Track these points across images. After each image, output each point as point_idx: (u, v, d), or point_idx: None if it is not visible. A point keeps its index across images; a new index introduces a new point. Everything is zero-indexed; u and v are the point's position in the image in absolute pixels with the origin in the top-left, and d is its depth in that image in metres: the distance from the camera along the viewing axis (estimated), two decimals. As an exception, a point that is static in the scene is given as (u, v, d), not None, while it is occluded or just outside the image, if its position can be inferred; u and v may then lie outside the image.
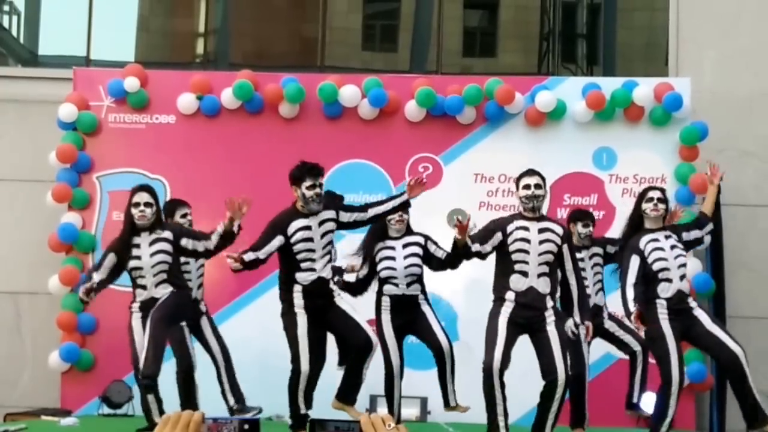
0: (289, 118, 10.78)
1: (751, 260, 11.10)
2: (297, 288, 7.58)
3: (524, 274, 7.25)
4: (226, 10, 13.01)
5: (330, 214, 7.68)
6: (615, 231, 10.37)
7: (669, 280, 7.69)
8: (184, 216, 8.72)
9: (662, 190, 7.95)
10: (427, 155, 10.73)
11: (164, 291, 7.80)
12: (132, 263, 7.80)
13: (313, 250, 7.59)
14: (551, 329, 7.21)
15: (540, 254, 7.25)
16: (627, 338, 8.49)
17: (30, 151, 11.20)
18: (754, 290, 11.07)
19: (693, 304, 7.78)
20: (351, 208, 7.86)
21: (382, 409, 9.59)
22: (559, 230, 7.35)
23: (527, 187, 7.33)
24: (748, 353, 10.83)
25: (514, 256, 7.28)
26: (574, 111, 10.67)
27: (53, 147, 10.61)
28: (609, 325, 8.54)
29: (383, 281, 8.41)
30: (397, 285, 8.33)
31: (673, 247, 7.76)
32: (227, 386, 8.55)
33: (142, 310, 7.78)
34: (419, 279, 8.42)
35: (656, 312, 7.67)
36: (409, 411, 9.58)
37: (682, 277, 7.75)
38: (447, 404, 8.49)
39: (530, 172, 7.41)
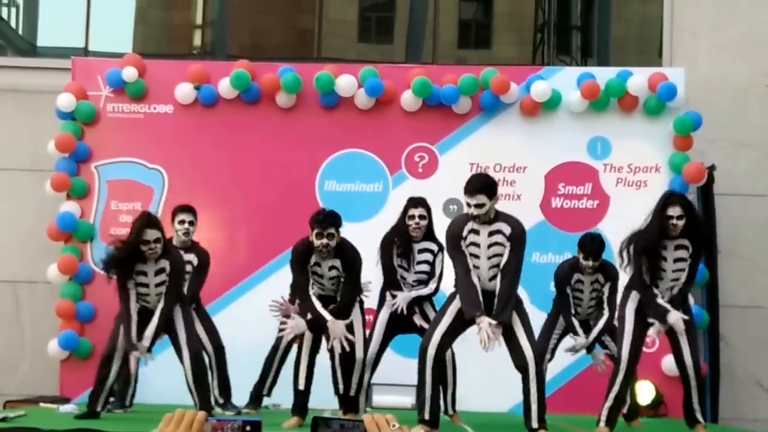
0: (286, 108, 10.83)
1: (744, 249, 11.19)
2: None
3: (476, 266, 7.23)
4: (224, 1, 13.05)
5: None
6: (609, 220, 10.53)
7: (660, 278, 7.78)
8: (181, 222, 8.80)
9: (682, 204, 7.70)
10: (423, 145, 10.79)
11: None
12: (139, 289, 8.02)
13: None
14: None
15: (489, 258, 7.20)
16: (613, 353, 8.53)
17: (29, 140, 11.24)
18: (747, 279, 11.14)
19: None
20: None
21: (379, 397, 9.70)
22: (507, 230, 7.17)
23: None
24: (741, 342, 11.04)
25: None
26: (569, 101, 10.74)
27: (52, 136, 10.66)
28: (605, 339, 8.59)
29: None
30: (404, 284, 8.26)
31: (677, 260, 7.73)
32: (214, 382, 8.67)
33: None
34: (427, 281, 8.30)
35: (627, 298, 7.82)
36: (405, 399, 9.62)
37: (674, 280, 7.79)
38: (445, 411, 8.35)
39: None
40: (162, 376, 9.35)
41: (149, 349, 7.98)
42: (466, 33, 13.75)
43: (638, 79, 10.65)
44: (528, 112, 10.75)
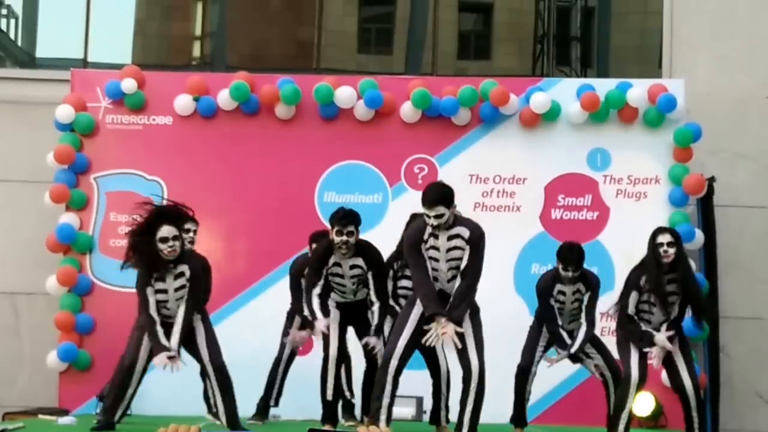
0: (285, 120, 10.82)
1: (744, 260, 11.18)
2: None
3: (435, 279, 7.18)
4: (223, 13, 13.08)
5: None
6: (608, 231, 10.52)
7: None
8: (187, 231, 8.74)
9: (671, 233, 7.90)
10: (423, 156, 10.78)
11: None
12: (157, 296, 7.83)
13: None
14: (464, 324, 7.05)
15: (448, 261, 7.14)
16: (599, 362, 8.46)
17: (28, 152, 11.24)
18: (748, 290, 11.13)
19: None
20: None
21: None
22: (466, 234, 7.12)
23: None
24: (741, 353, 11.04)
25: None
26: (569, 112, 10.73)
27: (51, 148, 10.66)
28: (588, 350, 8.51)
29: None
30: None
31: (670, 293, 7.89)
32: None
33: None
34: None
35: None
36: (405, 410, 9.59)
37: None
38: (438, 423, 8.27)
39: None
40: (159, 388, 9.32)
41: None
42: (466, 44, 13.76)
43: (638, 91, 10.65)
44: (527, 123, 10.74)
